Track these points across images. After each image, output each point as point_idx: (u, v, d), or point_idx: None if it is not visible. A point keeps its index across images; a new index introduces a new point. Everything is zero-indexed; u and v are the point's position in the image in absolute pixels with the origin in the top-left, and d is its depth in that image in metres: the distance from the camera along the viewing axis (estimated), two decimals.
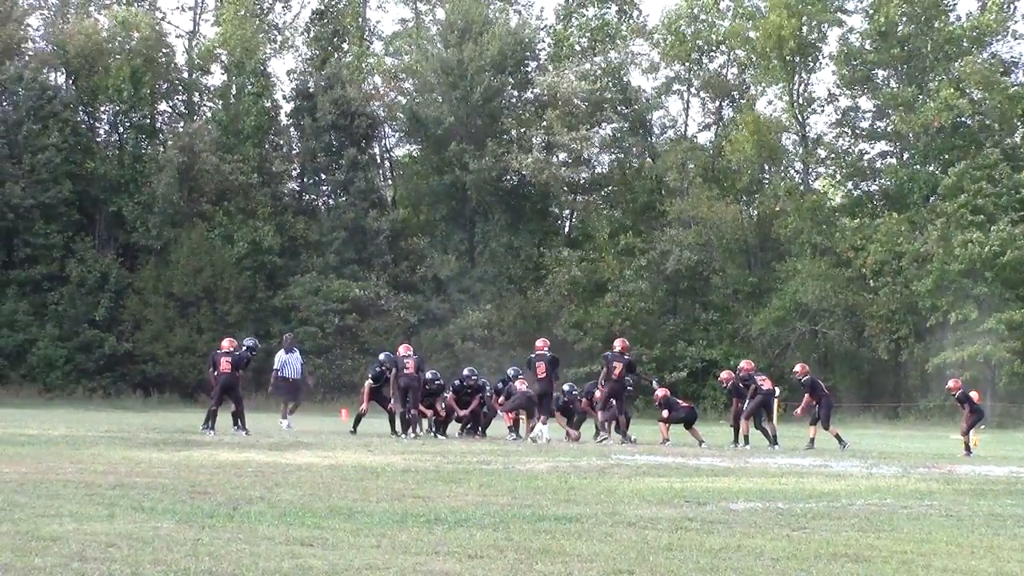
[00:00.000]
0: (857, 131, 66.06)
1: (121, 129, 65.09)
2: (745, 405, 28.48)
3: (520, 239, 63.97)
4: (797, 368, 30.43)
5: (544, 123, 62.87)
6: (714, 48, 69.09)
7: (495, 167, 62.60)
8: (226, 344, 28.32)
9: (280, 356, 31.40)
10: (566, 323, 60.83)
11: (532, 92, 65.26)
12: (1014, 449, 32.34)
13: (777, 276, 63.35)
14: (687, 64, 69.10)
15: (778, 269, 63.53)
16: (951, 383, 29.99)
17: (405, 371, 28.02)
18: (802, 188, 65.92)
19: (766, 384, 29.09)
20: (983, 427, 43.74)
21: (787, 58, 64.18)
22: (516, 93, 66.99)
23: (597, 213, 69.58)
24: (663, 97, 70.61)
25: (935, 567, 8.91)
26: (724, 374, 31.21)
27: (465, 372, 30.94)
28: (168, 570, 7.84)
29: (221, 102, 66.72)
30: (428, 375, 29.29)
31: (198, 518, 10.38)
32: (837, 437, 28.19)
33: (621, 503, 12.79)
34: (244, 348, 28.43)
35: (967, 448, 27.57)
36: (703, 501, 13.30)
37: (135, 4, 67.48)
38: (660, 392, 29.95)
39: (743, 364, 30.38)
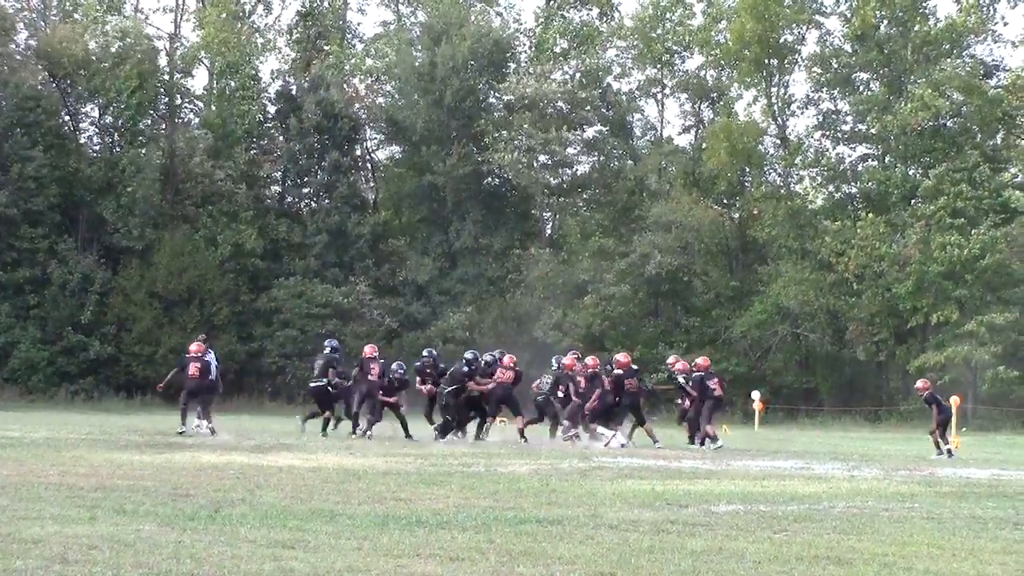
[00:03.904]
0: (839, 134, 66.02)
1: (109, 132, 64.80)
2: (694, 406, 28.64)
3: (498, 240, 63.99)
4: (670, 360, 30.26)
5: (524, 126, 62.87)
6: (685, 50, 69.13)
7: (472, 168, 62.79)
8: (194, 348, 28.75)
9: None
10: (546, 324, 60.76)
11: (508, 96, 65.15)
12: (995, 452, 32.43)
13: (759, 279, 63.39)
14: (659, 67, 69.13)
15: (760, 272, 63.59)
16: (919, 383, 29.92)
17: (370, 376, 28.13)
18: (783, 191, 65.85)
19: (718, 391, 29.13)
20: (964, 429, 43.93)
21: (764, 61, 64.25)
22: (494, 95, 67.03)
23: (574, 215, 69.63)
24: (639, 100, 70.72)
25: (916, 569, 8.92)
26: (679, 364, 30.75)
27: (424, 353, 30.98)
28: (149, 572, 7.83)
29: (209, 106, 66.38)
30: (393, 366, 29.28)
31: (180, 520, 10.37)
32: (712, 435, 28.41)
33: (603, 505, 12.79)
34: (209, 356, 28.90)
35: (938, 447, 27.66)
36: (685, 503, 13.30)
37: (118, 10, 67.43)
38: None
39: (699, 360, 30.33)
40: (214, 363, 30.50)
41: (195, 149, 62.69)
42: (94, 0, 66.16)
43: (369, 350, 29.67)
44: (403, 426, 28.88)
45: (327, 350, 30.10)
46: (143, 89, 61.81)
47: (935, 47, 61.41)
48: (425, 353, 31.17)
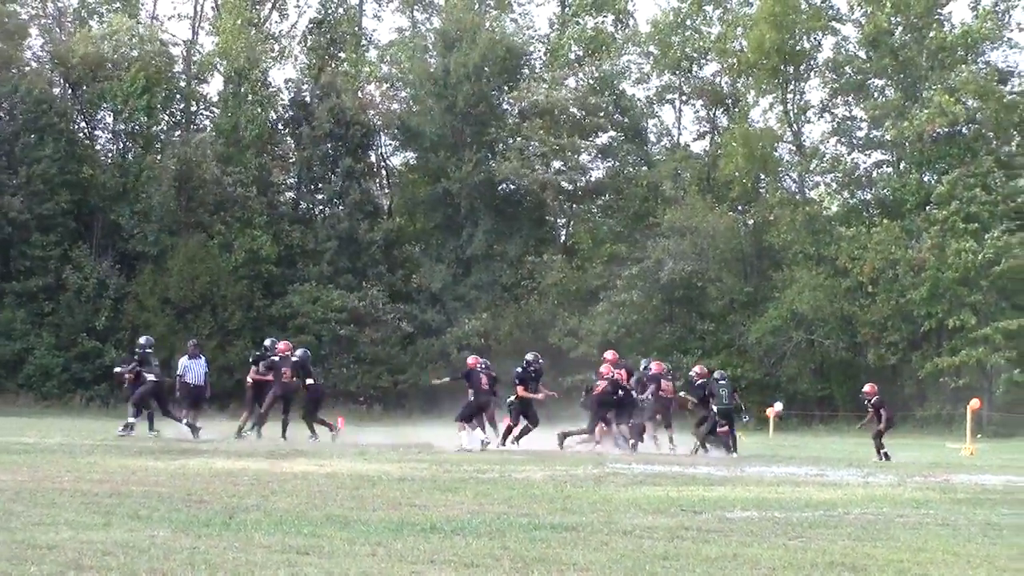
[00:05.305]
0: (854, 140, 65.97)
1: (122, 138, 64.98)
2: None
3: (512, 247, 63.93)
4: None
5: (539, 132, 62.95)
6: (703, 56, 69.09)
7: (485, 175, 62.87)
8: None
9: (183, 362, 31.61)
10: (560, 331, 60.70)
11: (523, 103, 65.16)
12: (1011, 458, 32.32)
13: (774, 285, 63.22)
14: (677, 73, 69.08)
15: (775, 278, 63.43)
16: (867, 388, 29.88)
17: (283, 379, 28.46)
18: (798, 198, 65.75)
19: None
20: (979, 436, 43.83)
21: (779, 68, 64.23)
22: (508, 101, 67.05)
23: (587, 221, 69.58)
24: (655, 106, 70.71)
25: None
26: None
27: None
28: None
29: (222, 111, 66.40)
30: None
31: (194, 526, 10.38)
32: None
33: (617, 512, 12.79)
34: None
35: (880, 453, 27.87)
36: (699, 510, 13.29)
37: (134, 16, 67.56)
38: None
39: (653, 365, 30.72)
40: (204, 369, 31.26)
41: (205, 154, 62.73)
42: (118, 16, 66.23)
43: (283, 346, 30.06)
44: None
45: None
46: (151, 92, 61.82)
47: (950, 53, 61.37)
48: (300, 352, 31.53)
